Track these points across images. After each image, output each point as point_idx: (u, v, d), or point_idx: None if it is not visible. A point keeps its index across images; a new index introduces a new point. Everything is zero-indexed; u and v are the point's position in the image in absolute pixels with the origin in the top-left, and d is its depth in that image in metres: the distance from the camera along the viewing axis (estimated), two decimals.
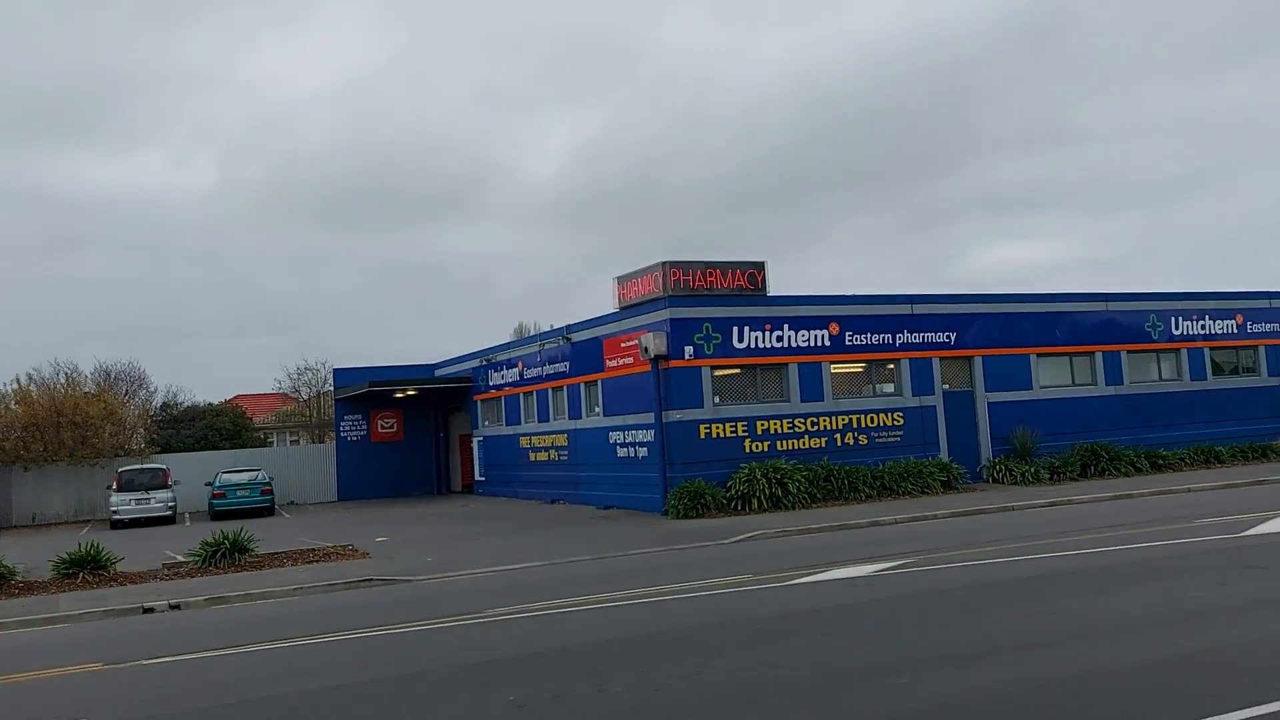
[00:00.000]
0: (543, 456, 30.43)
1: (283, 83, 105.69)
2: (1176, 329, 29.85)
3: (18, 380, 38.97)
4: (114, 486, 30.94)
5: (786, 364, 24.75)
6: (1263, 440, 28.96)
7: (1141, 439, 27.89)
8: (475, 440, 35.93)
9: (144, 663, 10.29)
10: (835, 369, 25.40)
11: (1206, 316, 30.35)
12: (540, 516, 25.42)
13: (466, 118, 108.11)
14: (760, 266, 24.94)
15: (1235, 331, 30.73)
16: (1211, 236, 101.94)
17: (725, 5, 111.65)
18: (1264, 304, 31.39)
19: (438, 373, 39.09)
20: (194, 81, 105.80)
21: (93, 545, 17.77)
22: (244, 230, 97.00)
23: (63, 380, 41.06)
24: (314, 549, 19.56)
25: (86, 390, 39.95)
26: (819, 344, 25.13)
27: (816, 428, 24.69)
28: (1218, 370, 30.51)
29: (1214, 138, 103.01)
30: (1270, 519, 16.03)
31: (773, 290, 25.06)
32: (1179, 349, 29.90)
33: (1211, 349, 30.36)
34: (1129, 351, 29.10)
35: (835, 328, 25.37)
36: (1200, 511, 17.80)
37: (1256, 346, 31.04)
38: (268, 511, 32.11)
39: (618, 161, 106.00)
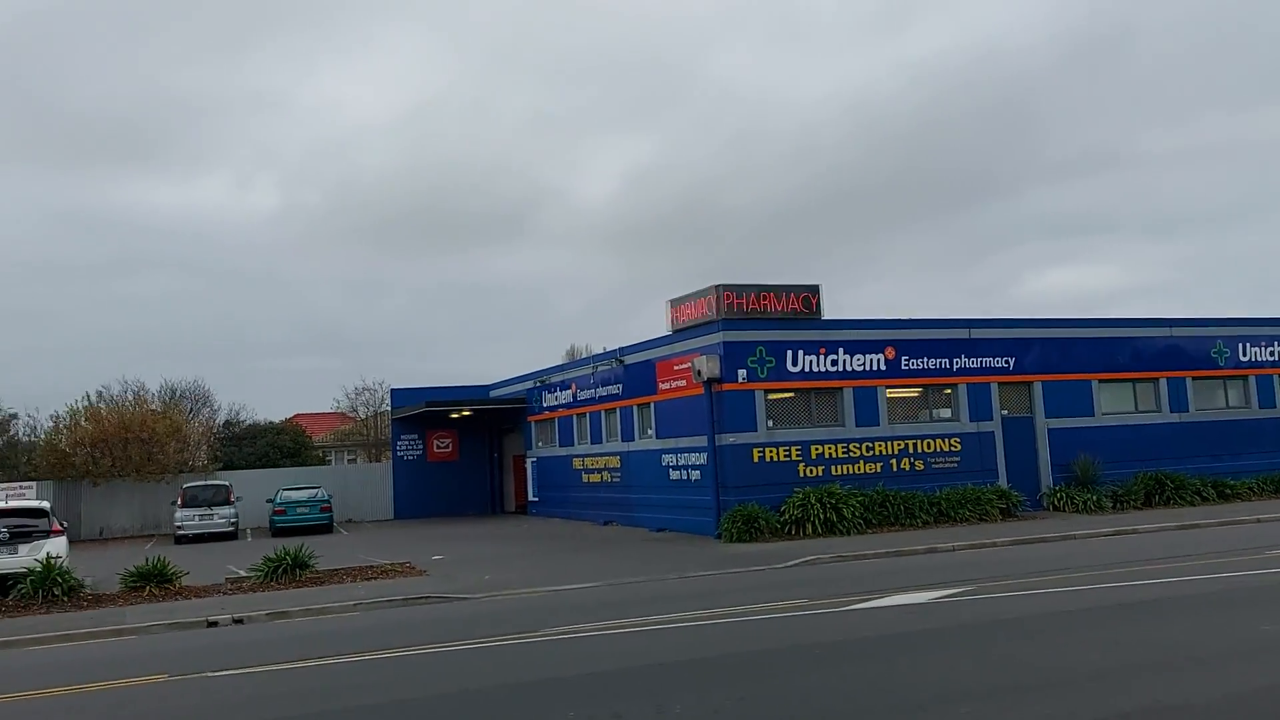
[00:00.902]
0: (595, 478, 30.54)
1: (343, 109, 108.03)
2: (1244, 355, 29.17)
3: (88, 397, 40.05)
4: (179, 502, 31.63)
5: (841, 388, 24.62)
6: None
7: (1207, 468, 27.24)
8: (529, 461, 36.17)
9: (209, 675, 10.50)
10: (891, 393, 25.20)
11: (1276, 343, 29.62)
12: (593, 537, 25.49)
13: (522, 142, 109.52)
14: (814, 290, 24.90)
15: None
16: (1270, 265, 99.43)
17: (779, 28, 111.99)
18: None
19: (492, 394, 39.45)
20: (257, 107, 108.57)
21: (159, 559, 18.20)
22: (303, 253, 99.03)
23: (130, 398, 42.13)
24: (372, 566, 19.82)
25: (153, 408, 40.95)
26: (874, 368, 24.96)
27: (872, 453, 24.48)
28: None
29: (1270, 166, 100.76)
30: None
31: (827, 314, 25.01)
32: (1246, 375, 29.20)
33: None
34: (1194, 378, 28.47)
35: (891, 352, 25.19)
36: (1270, 542, 17.33)
37: None
38: (326, 529, 32.58)
39: (671, 185, 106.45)
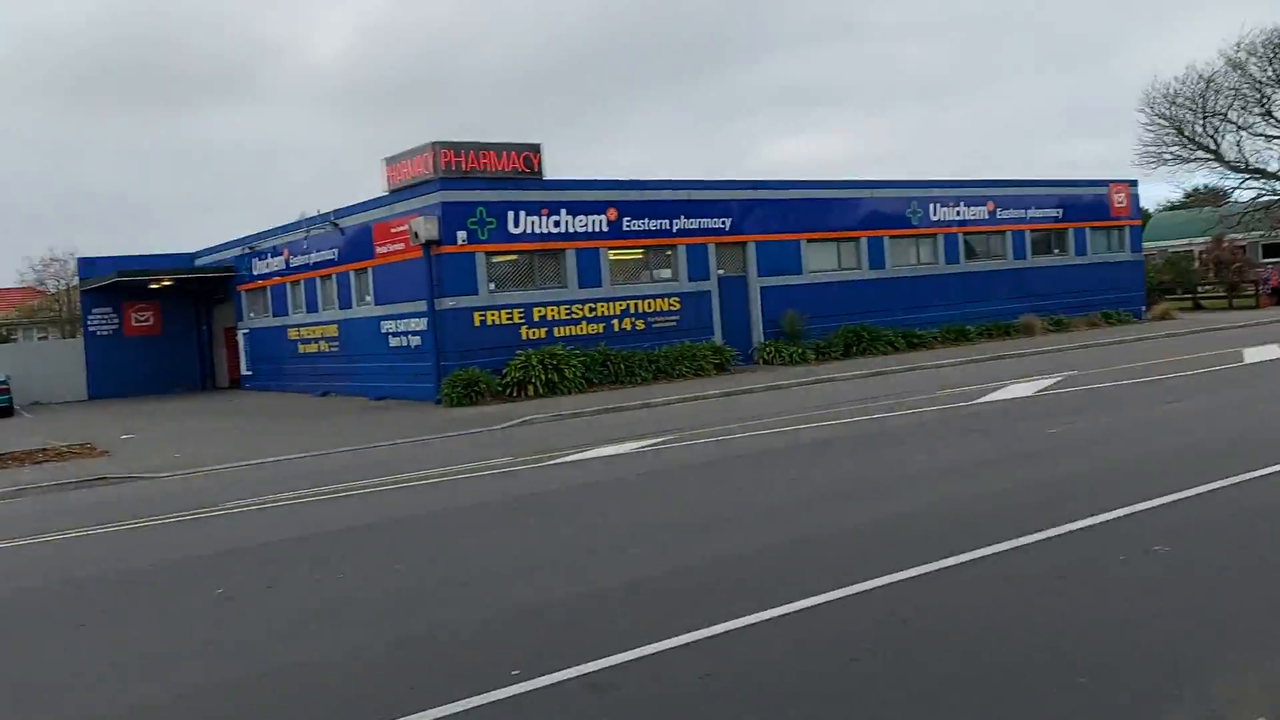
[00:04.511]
0: (312, 348, 29.08)
1: None
2: (934, 215, 31.43)
3: None
4: None
5: (564, 250, 24.41)
6: (1006, 319, 31.21)
7: (900, 319, 29.46)
8: (240, 333, 33.93)
9: None
10: (613, 255, 25.28)
11: (961, 203, 32.08)
12: (308, 409, 24.35)
13: None
14: (536, 149, 24.25)
15: (986, 218, 32.66)
16: (980, 133, 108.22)
17: None
18: (1012, 191, 33.50)
19: (197, 262, 36.41)
20: None
21: None
22: None
23: None
24: (45, 449, 17.93)
25: None
26: (597, 229, 24.88)
27: (594, 314, 24.61)
28: (970, 254, 32.45)
29: (983, 41, 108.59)
30: (999, 388, 17.26)
31: (551, 176, 24.51)
32: (936, 234, 31.55)
33: (965, 234, 32.20)
34: (891, 237, 30.42)
35: (613, 213, 25.15)
36: (944, 384, 18.98)
37: (1004, 232, 33.16)
38: (6, 412, 29.33)
39: (409, 45, 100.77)
